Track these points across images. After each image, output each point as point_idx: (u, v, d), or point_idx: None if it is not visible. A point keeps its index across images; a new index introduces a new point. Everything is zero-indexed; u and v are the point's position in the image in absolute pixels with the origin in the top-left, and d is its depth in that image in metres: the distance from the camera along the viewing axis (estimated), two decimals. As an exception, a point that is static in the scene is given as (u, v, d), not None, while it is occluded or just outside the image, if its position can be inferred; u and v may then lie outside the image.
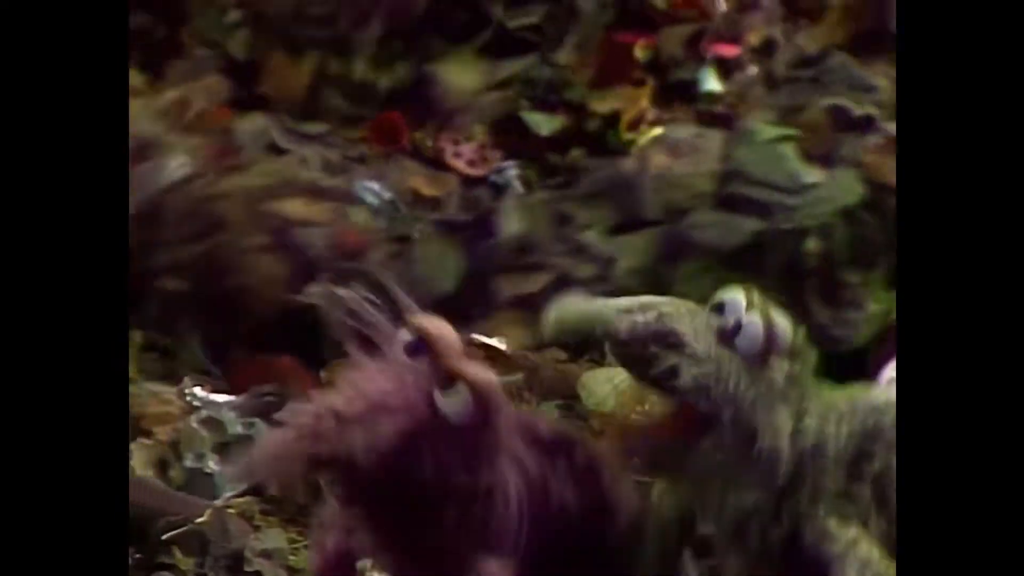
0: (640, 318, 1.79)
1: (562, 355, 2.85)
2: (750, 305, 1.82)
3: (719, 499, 1.88)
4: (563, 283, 3.02)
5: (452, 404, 1.83)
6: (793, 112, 3.46)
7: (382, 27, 3.59)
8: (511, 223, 3.33)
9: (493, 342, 2.94)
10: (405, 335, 1.87)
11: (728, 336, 1.80)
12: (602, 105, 3.59)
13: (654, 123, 3.56)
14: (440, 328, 1.88)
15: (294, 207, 3.19)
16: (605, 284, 3.09)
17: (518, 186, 3.45)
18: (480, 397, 1.84)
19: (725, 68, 3.67)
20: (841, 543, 1.84)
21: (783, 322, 1.84)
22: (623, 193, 3.33)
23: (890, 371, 2.82)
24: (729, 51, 3.68)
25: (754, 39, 3.73)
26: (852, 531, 1.85)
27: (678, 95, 3.66)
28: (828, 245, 3.23)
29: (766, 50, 3.72)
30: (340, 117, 3.57)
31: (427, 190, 3.39)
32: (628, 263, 3.22)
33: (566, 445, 1.99)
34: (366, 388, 1.86)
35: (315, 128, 3.51)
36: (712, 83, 3.58)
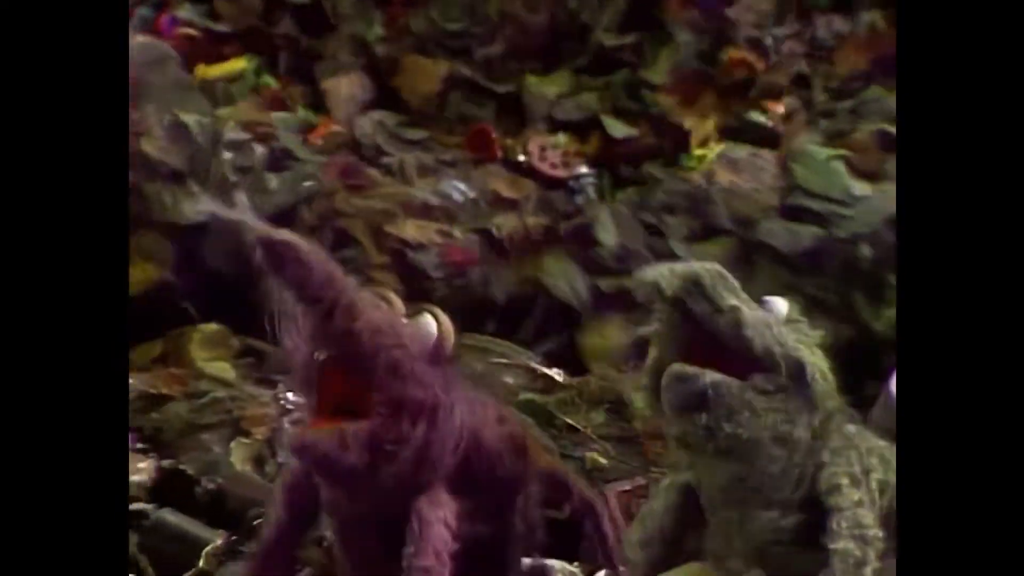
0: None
1: (610, 371, 3.00)
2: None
3: (771, 431, 1.91)
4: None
5: (419, 327, 1.93)
6: (840, 136, 3.66)
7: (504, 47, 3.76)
8: (607, 233, 3.49)
9: (551, 372, 3.10)
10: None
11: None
12: (690, 124, 3.72)
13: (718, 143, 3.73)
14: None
15: (409, 230, 3.35)
16: None
17: (591, 192, 3.59)
18: (443, 329, 1.95)
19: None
20: (847, 500, 1.88)
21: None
22: (697, 205, 3.51)
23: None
24: (776, 107, 3.83)
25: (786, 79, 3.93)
26: (859, 495, 1.89)
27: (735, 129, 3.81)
28: (878, 251, 3.41)
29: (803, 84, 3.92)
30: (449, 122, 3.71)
31: (507, 192, 3.53)
32: None
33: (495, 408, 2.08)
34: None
35: (416, 134, 3.66)
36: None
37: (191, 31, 3.71)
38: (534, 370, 3.15)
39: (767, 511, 1.90)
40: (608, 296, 3.34)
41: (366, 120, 3.65)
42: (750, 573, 1.94)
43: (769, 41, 4.02)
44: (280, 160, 3.42)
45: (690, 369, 1.84)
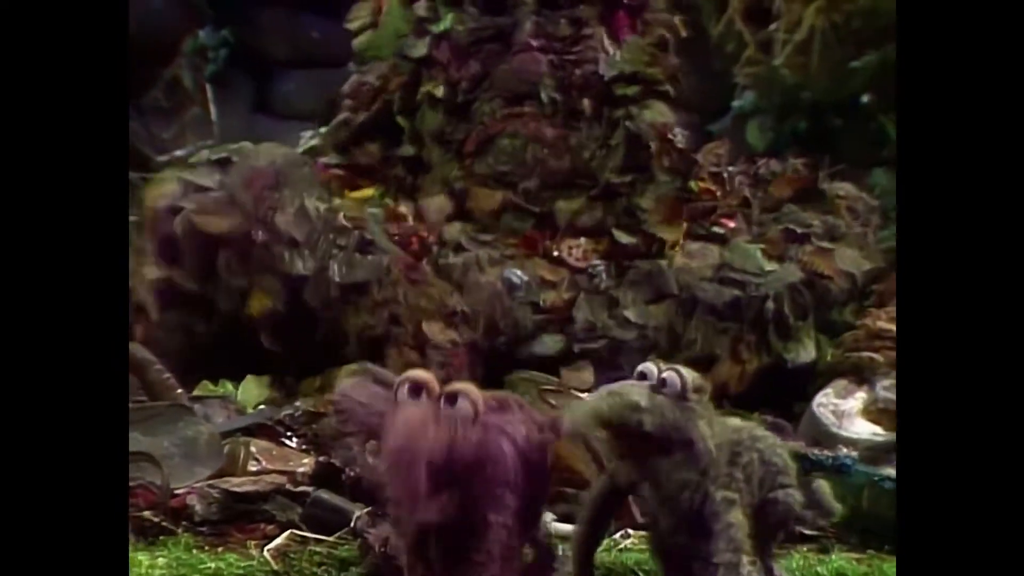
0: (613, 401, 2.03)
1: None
2: (664, 368, 2.06)
3: (666, 478, 2.05)
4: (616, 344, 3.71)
5: (459, 410, 1.97)
6: (762, 234, 4.15)
7: (539, 181, 4.09)
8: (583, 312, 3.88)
9: (581, 395, 3.43)
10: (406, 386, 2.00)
11: (658, 388, 2.03)
12: (666, 235, 4.12)
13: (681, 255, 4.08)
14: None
15: (434, 331, 3.75)
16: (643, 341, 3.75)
17: (604, 276, 3.95)
18: (474, 403, 1.97)
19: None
20: (722, 522, 2.02)
21: (688, 372, 2.06)
22: (653, 280, 3.95)
23: (820, 396, 3.47)
24: (728, 223, 4.25)
25: (736, 201, 4.32)
26: (733, 515, 2.03)
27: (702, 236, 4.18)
28: (779, 305, 3.90)
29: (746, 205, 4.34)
30: (507, 231, 4.03)
31: (549, 276, 3.92)
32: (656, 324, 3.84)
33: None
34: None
35: (486, 237, 4.01)
36: None
37: (337, 171, 4.21)
38: (570, 392, 3.54)
39: (668, 520, 2.07)
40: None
41: (453, 227, 4.03)
42: None
43: (725, 175, 4.43)
44: (366, 246, 3.85)
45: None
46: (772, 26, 6.21)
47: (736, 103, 6.45)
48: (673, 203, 4.20)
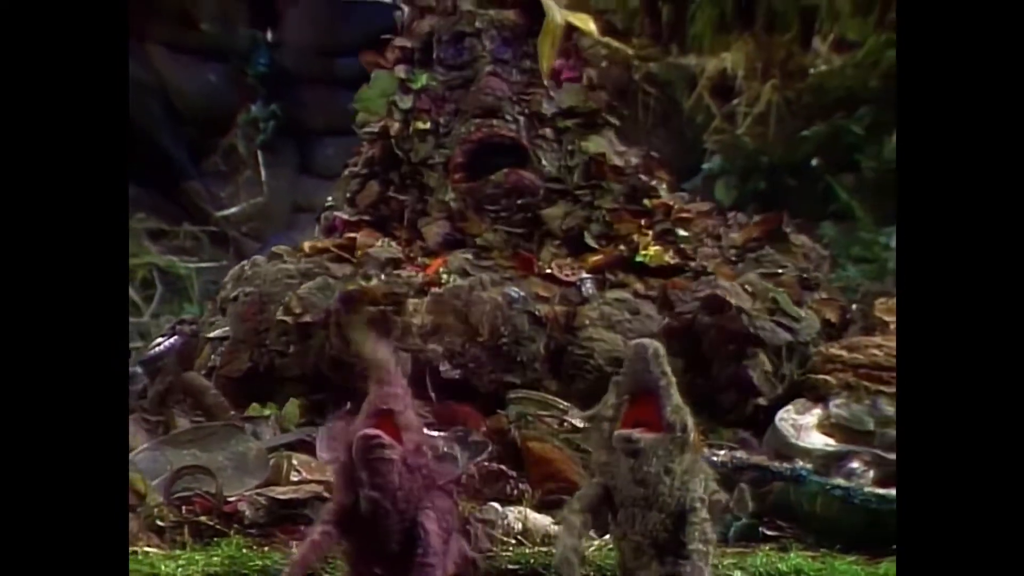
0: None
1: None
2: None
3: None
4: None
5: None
6: (770, 276, 4.05)
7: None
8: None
9: (575, 420, 3.37)
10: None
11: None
12: (625, 230, 4.06)
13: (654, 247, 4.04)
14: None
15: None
16: None
17: (593, 288, 3.93)
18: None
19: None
20: (697, 517, 2.04)
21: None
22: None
23: (782, 412, 3.42)
24: (687, 216, 4.22)
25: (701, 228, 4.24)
26: (704, 512, 2.03)
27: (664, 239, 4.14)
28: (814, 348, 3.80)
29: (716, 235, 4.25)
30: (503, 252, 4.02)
31: (543, 292, 3.88)
32: None
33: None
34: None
35: (487, 263, 4.02)
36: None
37: (351, 222, 4.29)
38: (564, 410, 3.46)
39: (659, 513, 2.05)
40: None
41: (455, 257, 4.04)
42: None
43: (692, 214, 4.34)
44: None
45: (635, 434, 2.01)
46: (735, 101, 6.55)
47: (705, 165, 6.69)
48: (625, 211, 4.21)
